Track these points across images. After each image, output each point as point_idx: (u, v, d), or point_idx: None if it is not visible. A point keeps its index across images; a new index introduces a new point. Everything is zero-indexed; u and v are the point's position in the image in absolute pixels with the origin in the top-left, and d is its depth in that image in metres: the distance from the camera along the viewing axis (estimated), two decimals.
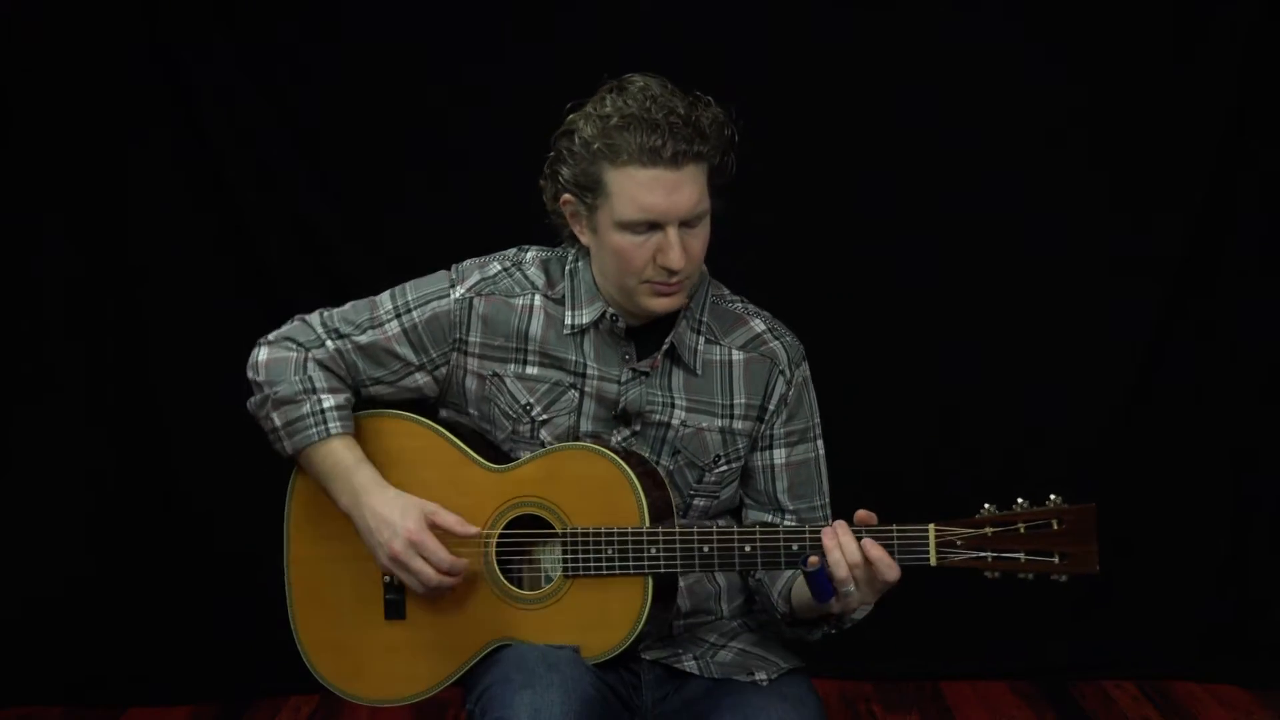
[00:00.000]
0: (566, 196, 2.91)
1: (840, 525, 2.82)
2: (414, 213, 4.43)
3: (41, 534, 4.54)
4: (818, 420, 3.08)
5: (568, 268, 3.02)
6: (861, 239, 4.43)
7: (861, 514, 2.83)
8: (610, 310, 2.97)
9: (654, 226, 2.86)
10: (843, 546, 2.80)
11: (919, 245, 4.45)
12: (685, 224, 2.86)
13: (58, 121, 4.42)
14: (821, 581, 2.80)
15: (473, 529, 2.93)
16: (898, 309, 4.48)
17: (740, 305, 3.07)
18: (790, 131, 4.33)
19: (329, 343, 3.03)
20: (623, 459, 2.90)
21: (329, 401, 3.00)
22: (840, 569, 2.79)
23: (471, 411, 3.04)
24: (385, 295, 3.06)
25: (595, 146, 2.84)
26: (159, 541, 4.53)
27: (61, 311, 4.50)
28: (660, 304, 2.93)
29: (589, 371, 2.99)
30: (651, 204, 2.84)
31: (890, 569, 2.79)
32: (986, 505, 2.77)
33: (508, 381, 3.00)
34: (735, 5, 4.40)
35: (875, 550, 2.79)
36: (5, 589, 4.54)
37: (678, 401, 2.99)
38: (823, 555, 2.80)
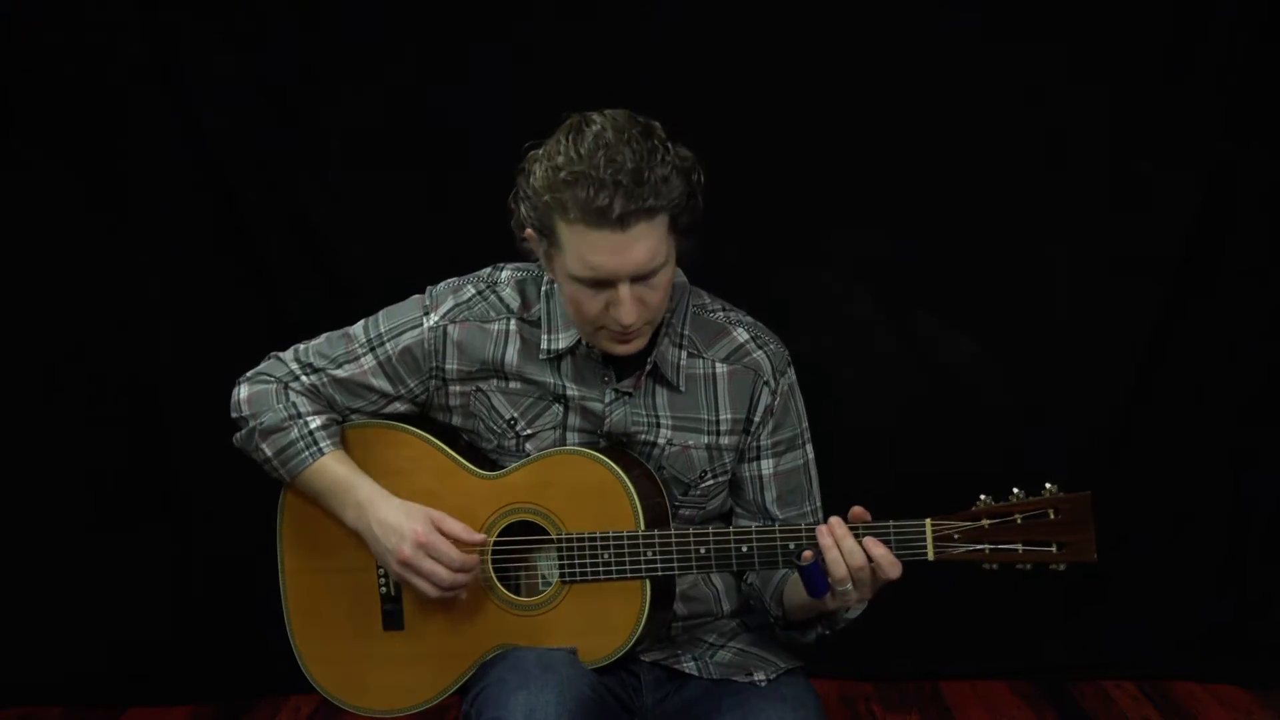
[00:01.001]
0: (528, 231, 2.87)
1: (836, 523, 2.79)
2: (415, 213, 4.43)
3: (42, 534, 4.54)
4: (805, 425, 3.05)
5: (543, 289, 2.98)
6: (859, 239, 4.43)
7: (856, 510, 2.81)
8: None
9: (606, 282, 2.80)
10: (841, 546, 2.77)
11: (919, 244, 4.44)
12: (640, 278, 2.80)
13: (58, 121, 4.42)
14: (815, 576, 2.79)
15: (478, 536, 2.92)
16: (897, 308, 4.48)
17: (722, 314, 3.03)
18: (795, 126, 4.34)
19: (304, 378, 3.02)
20: (616, 463, 2.90)
21: (315, 422, 3.00)
22: (839, 568, 2.77)
23: (457, 424, 3.03)
24: (359, 327, 3.03)
25: (545, 199, 2.76)
26: (159, 541, 4.53)
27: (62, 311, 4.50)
28: (618, 349, 2.90)
29: (569, 392, 2.98)
30: (599, 264, 2.78)
31: (893, 566, 2.77)
32: (982, 496, 2.76)
33: (491, 397, 2.99)
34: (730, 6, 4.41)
35: (878, 549, 2.77)
36: (6, 588, 4.54)
37: (663, 421, 2.97)
38: (819, 552, 2.79)
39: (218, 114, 4.38)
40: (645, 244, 2.76)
